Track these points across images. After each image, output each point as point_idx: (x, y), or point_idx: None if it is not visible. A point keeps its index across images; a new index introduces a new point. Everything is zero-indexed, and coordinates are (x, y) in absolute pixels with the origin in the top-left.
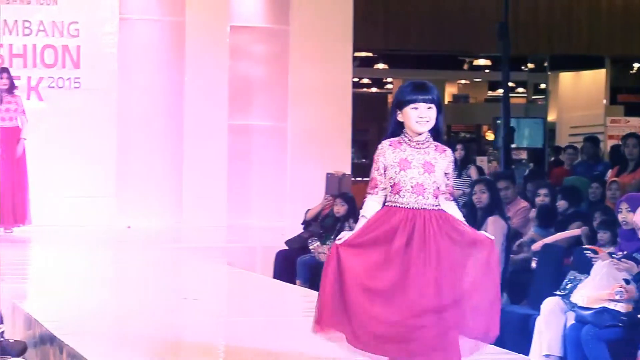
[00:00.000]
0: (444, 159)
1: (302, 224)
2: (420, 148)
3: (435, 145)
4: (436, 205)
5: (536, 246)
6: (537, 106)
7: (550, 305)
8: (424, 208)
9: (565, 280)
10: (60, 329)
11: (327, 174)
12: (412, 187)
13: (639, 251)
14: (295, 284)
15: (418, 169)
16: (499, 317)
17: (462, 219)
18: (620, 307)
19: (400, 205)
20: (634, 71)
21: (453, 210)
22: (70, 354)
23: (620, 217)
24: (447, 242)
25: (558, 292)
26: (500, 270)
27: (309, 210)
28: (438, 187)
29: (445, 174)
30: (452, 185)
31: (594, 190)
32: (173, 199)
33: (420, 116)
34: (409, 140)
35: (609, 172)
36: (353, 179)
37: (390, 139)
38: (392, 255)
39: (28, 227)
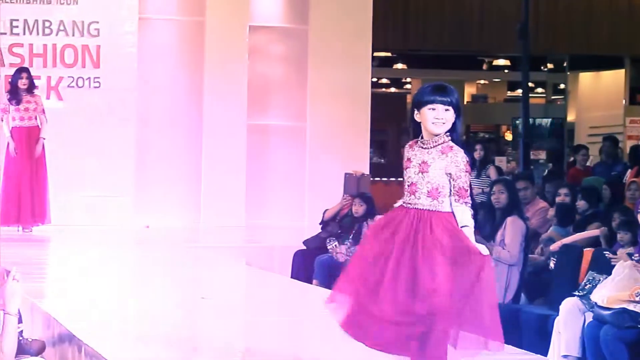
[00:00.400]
0: (443, 159)
1: (320, 223)
2: (425, 148)
3: (442, 146)
4: (433, 206)
5: (555, 246)
6: (556, 106)
7: (569, 305)
8: (416, 208)
9: (584, 281)
10: (79, 329)
11: (346, 173)
12: (408, 186)
13: None
14: (312, 283)
15: (414, 168)
16: (499, 330)
17: (470, 223)
18: None
19: (404, 204)
20: None
21: (460, 214)
22: (88, 354)
23: None
24: (436, 245)
25: (577, 293)
26: (504, 280)
27: (327, 210)
28: (437, 188)
29: (449, 174)
30: (463, 187)
31: (604, 192)
32: (191, 198)
33: (436, 117)
34: (421, 139)
35: (628, 173)
36: (372, 179)
37: (412, 140)
38: (377, 253)
39: (47, 226)
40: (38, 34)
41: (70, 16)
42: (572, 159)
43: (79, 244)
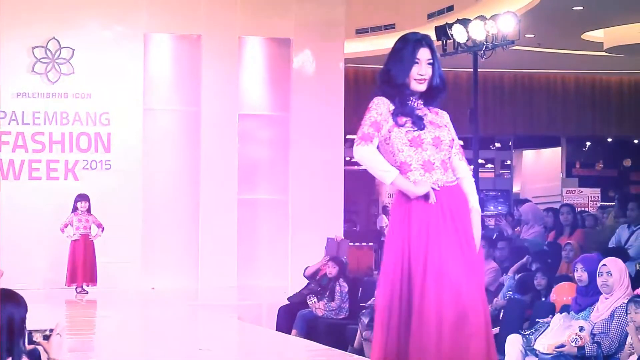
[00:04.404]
0: None
1: (304, 276)
2: None
3: None
4: None
5: None
6: (503, 180)
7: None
8: None
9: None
10: None
11: (328, 238)
12: None
13: (592, 305)
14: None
15: None
16: None
17: None
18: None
19: None
20: (586, 149)
21: None
22: None
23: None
24: None
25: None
26: None
27: (307, 267)
28: None
29: None
30: None
31: None
32: (191, 263)
33: None
34: None
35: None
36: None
37: None
38: None
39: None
40: (57, 123)
41: (85, 108)
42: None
43: (99, 304)
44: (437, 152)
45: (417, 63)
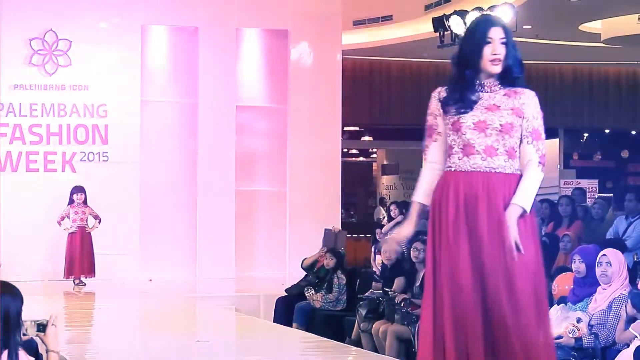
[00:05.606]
0: None
1: (302, 267)
2: None
3: None
4: None
5: None
6: None
7: None
8: None
9: None
10: None
11: (325, 229)
12: None
13: (590, 296)
14: (292, 326)
15: None
16: None
17: None
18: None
19: None
20: (583, 140)
21: None
22: None
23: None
24: None
25: None
26: None
27: (305, 258)
28: None
29: None
30: None
31: None
32: (188, 255)
33: None
34: None
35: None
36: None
37: None
38: None
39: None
40: (54, 115)
41: (82, 100)
42: None
43: (95, 295)
44: (480, 136)
45: (490, 42)
